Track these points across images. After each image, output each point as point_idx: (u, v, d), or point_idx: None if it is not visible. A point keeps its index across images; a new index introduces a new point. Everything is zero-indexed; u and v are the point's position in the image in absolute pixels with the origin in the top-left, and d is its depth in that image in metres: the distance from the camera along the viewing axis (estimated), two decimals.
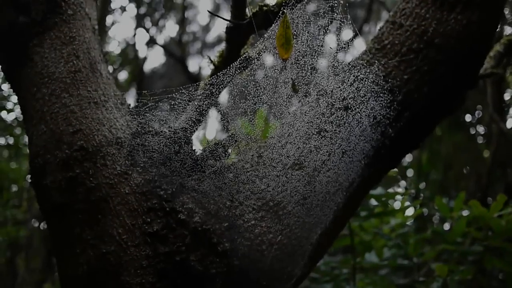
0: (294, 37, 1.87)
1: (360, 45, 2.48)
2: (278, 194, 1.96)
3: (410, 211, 3.91)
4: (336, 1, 1.96)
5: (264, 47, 1.96)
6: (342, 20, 1.97)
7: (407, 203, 4.00)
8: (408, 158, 10.48)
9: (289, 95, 1.96)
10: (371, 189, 2.73)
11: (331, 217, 2.11)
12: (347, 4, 1.95)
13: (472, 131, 10.40)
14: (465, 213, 3.68)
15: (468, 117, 10.04)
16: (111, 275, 1.79)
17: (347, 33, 2.23)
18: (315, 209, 1.99)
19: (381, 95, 2.15)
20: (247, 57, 1.98)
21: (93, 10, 2.55)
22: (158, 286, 1.77)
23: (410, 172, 10.40)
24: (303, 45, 1.92)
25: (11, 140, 8.01)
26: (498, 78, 5.85)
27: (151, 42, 12.72)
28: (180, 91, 1.98)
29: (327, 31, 1.99)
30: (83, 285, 1.85)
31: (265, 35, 1.96)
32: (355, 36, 2.18)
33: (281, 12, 1.90)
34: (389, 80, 2.24)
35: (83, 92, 2.07)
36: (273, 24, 1.95)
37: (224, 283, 1.81)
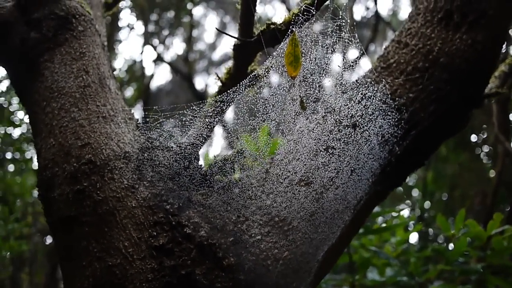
0: (303, 55, 1.89)
1: (366, 65, 2.50)
2: (284, 210, 1.97)
3: (410, 227, 3.87)
4: (343, 21, 1.98)
5: (273, 65, 1.99)
6: (350, 39, 1.99)
7: (406, 216, 3.97)
8: (413, 178, 10.47)
9: (297, 112, 1.98)
10: (376, 206, 2.73)
11: (338, 234, 2.11)
12: (354, 24, 1.98)
13: (478, 151, 10.38)
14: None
15: (473, 138, 10.03)
16: None
17: (353, 53, 2.25)
18: (322, 226, 1.99)
19: (389, 113, 2.16)
20: (256, 75, 2.00)
21: (102, 27, 2.59)
22: None
23: (415, 192, 10.38)
24: (311, 63, 1.94)
25: (17, 155, 8.04)
26: (503, 98, 5.86)
27: (158, 59, 12.81)
28: (191, 108, 2.01)
29: (334, 50, 2.01)
30: None
31: (273, 53, 1.98)
32: (361, 56, 2.20)
33: (289, 30, 1.93)
34: (396, 98, 2.26)
35: (92, 107, 2.09)
36: (281, 42, 1.98)
37: None
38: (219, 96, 2.08)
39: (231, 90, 2.01)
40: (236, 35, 2.17)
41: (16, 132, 7.70)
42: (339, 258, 2.94)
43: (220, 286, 1.80)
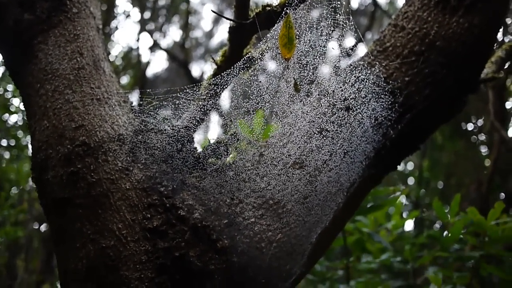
0: (297, 37, 1.88)
1: (362, 49, 2.50)
2: (278, 193, 1.97)
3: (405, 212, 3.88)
4: (339, 2, 1.97)
5: (267, 47, 1.98)
6: (345, 21, 1.98)
7: (402, 200, 3.98)
8: (409, 166, 10.51)
9: (291, 94, 1.97)
10: (370, 190, 2.73)
11: (331, 217, 2.12)
12: (350, 10, 1.97)
13: (473, 140, 10.40)
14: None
15: (469, 126, 10.05)
16: (110, 269, 1.80)
17: (350, 40, 2.24)
18: (315, 209, 2.00)
19: (382, 96, 2.16)
20: (250, 57, 1.99)
21: (97, 10, 2.57)
22: (157, 281, 1.78)
23: (411, 180, 10.42)
24: (305, 45, 1.93)
25: (12, 142, 8.02)
26: (499, 86, 5.88)
27: (155, 46, 12.74)
28: (184, 91, 2.00)
29: (329, 32, 2.00)
30: (83, 279, 1.85)
31: (268, 35, 1.97)
32: (357, 43, 2.19)
33: (284, 12, 1.92)
34: (390, 82, 2.25)
35: (86, 89, 2.08)
36: (276, 24, 1.97)
37: (223, 280, 1.81)
38: (213, 78, 2.07)
39: (224, 72, 2.00)
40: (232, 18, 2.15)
41: (12, 119, 7.69)
42: (333, 241, 2.95)
43: (213, 268, 1.80)
